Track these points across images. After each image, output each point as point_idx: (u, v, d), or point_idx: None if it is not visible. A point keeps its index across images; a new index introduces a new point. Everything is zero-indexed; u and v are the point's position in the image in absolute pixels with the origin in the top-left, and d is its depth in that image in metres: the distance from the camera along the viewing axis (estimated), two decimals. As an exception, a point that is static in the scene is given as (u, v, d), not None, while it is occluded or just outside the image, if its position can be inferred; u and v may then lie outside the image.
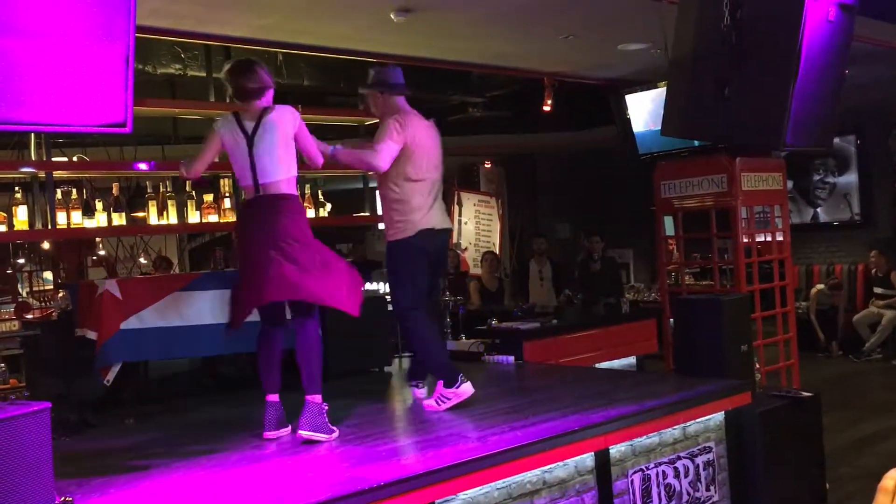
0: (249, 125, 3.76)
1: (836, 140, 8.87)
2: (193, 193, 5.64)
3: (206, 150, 3.94)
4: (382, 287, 7.79)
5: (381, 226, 14.51)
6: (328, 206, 6.44)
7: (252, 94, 3.78)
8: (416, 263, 4.31)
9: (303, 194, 5.57)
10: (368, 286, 8.20)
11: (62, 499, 2.57)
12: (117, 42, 2.51)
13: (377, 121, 6.78)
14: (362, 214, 7.04)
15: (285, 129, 3.77)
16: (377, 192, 4.54)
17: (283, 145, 3.77)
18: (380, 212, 7.19)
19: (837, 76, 4.67)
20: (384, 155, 4.18)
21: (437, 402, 4.25)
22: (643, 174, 7.88)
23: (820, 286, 10.78)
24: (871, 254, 10.43)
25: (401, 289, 4.36)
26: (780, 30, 4.20)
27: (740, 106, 4.36)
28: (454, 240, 12.89)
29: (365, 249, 12.01)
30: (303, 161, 4.00)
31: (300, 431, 3.63)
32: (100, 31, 2.46)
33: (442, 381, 4.26)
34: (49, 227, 5.06)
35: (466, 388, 4.24)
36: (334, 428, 3.73)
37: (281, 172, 3.77)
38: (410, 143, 4.26)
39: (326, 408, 3.74)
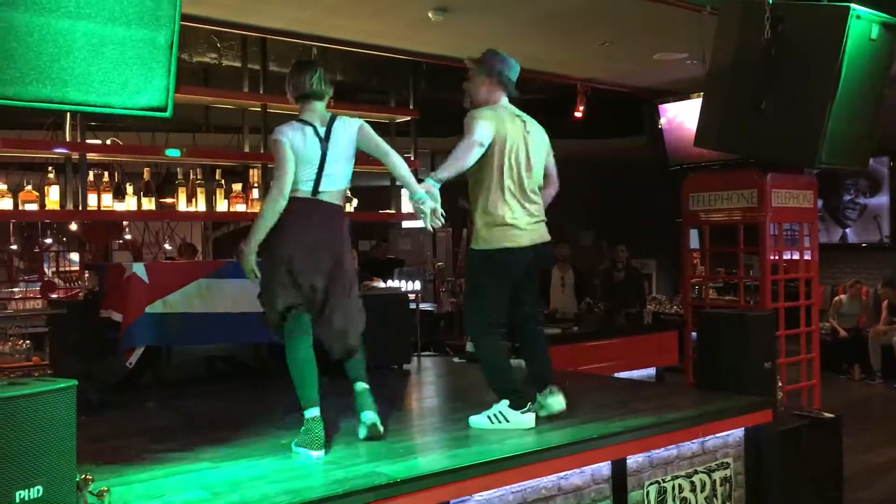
0: (322, 129, 3.59)
1: (870, 161, 8.78)
2: (223, 182, 5.70)
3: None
4: (405, 285, 7.81)
5: (406, 224, 14.43)
6: (354, 202, 6.46)
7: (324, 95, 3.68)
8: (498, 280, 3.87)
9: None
10: (390, 283, 8.22)
11: (83, 476, 2.59)
12: (164, 28, 2.53)
13: (408, 118, 6.88)
14: (388, 211, 7.05)
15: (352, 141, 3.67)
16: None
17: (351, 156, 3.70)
18: (405, 209, 7.29)
19: (876, 96, 4.62)
20: (471, 152, 3.76)
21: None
22: (670, 185, 7.83)
23: (841, 296, 10.70)
24: (878, 286, 10.39)
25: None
26: (822, 46, 4.17)
27: (776, 121, 4.32)
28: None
29: (389, 247, 12.05)
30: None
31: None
32: (148, 17, 2.49)
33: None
34: (80, 208, 5.12)
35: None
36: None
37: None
38: (500, 141, 3.82)
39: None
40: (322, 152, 3.54)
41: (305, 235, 3.53)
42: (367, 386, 3.63)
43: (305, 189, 3.55)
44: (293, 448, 3.42)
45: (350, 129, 3.64)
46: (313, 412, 3.45)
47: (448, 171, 3.73)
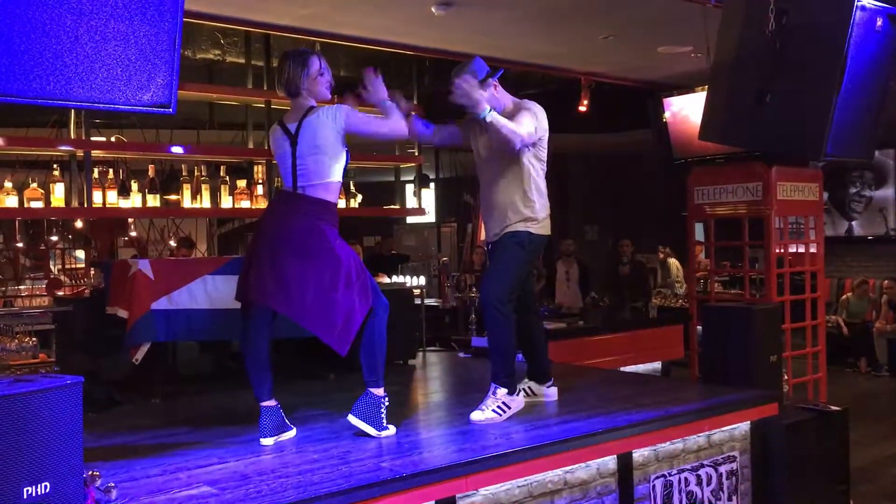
0: (293, 126, 3.57)
1: (876, 153, 8.74)
2: (227, 178, 5.70)
3: None
4: (410, 280, 7.81)
5: (412, 219, 14.36)
6: (359, 198, 6.46)
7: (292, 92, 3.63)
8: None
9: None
10: (395, 279, 8.21)
11: (90, 472, 2.60)
12: (167, 24, 2.53)
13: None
14: (392, 207, 7.05)
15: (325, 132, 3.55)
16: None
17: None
18: (409, 204, 7.27)
19: (881, 87, 4.60)
20: (529, 136, 3.91)
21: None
22: (675, 179, 7.82)
23: (848, 294, 10.68)
24: (884, 284, 10.36)
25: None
26: (827, 38, 4.15)
27: (781, 113, 4.30)
28: (482, 237, 12.91)
29: (392, 242, 12.06)
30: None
31: (350, 416, 3.59)
32: (151, 13, 2.49)
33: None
34: (85, 205, 5.14)
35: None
36: (389, 426, 3.62)
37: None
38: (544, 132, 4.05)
39: (386, 403, 3.63)
40: (290, 149, 3.57)
41: (260, 226, 3.67)
42: (368, 390, 3.61)
43: (287, 184, 3.63)
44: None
45: (325, 120, 3.53)
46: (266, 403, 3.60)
47: (510, 128, 3.83)
